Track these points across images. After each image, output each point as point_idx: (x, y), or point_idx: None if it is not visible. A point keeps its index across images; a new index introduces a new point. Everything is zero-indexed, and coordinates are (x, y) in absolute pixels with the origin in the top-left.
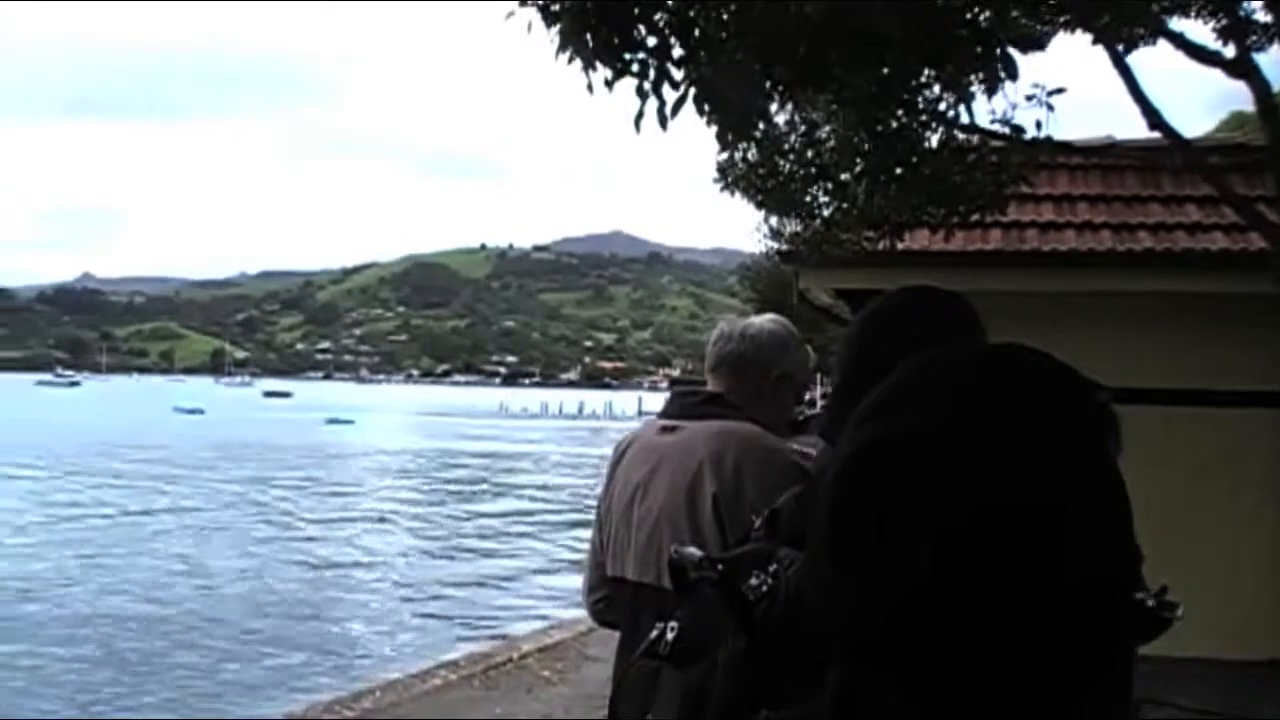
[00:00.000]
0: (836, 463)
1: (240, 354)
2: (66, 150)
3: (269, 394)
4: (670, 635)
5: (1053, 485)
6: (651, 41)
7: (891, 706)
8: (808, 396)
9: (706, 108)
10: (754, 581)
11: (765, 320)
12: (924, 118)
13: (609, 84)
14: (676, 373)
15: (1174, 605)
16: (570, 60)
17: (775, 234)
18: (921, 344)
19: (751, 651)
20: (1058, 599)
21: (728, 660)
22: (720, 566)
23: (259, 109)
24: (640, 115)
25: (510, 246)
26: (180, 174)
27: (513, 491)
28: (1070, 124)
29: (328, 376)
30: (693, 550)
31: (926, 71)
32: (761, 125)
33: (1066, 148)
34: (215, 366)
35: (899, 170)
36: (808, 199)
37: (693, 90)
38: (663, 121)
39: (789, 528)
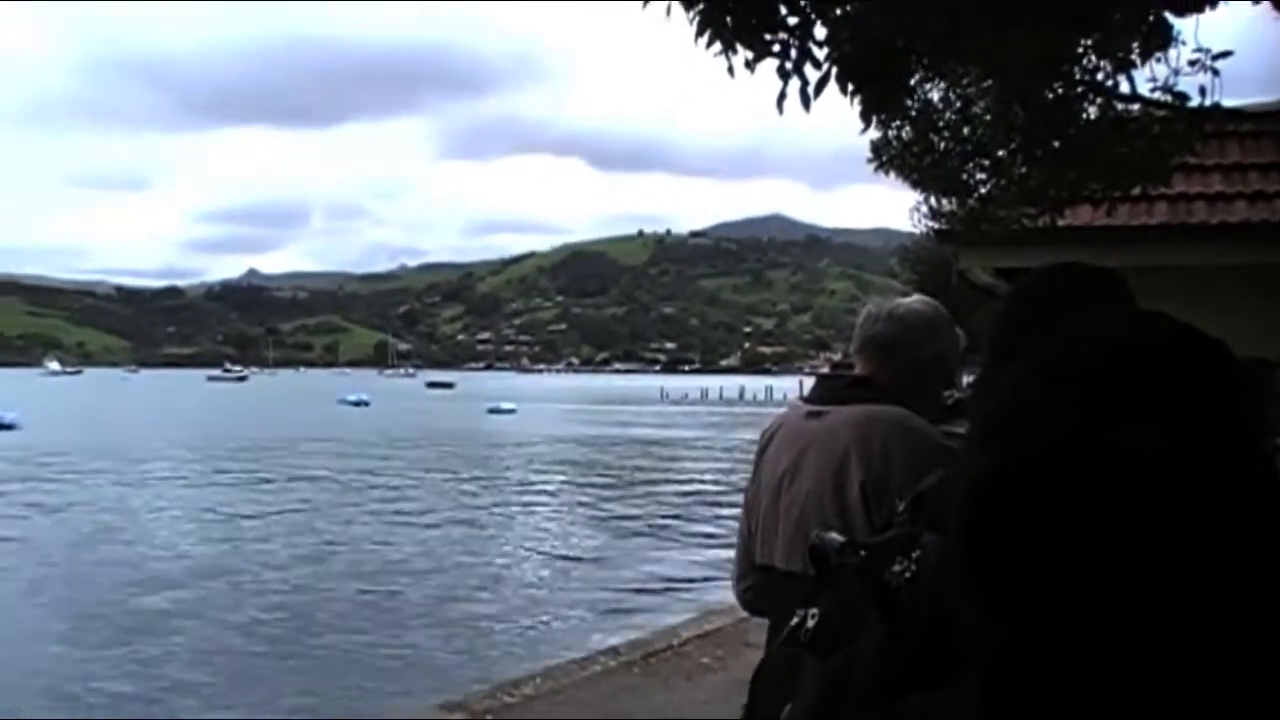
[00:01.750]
0: (965, 482)
1: (403, 346)
2: (230, 155)
3: (431, 385)
4: (811, 623)
5: (1194, 503)
6: (792, 21)
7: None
8: (965, 380)
9: (850, 86)
10: (897, 568)
11: (914, 301)
12: (1081, 89)
13: (750, 66)
14: (837, 356)
15: None
16: (710, 44)
17: (934, 213)
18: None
19: (894, 639)
20: (1205, 616)
21: (869, 648)
22: (863, 553)
23: (415, 107)
24: (783, 96)
25: (668, 233)
26: (342, 172)
27: (678, 478)
28: (1242, 89)
29: (489, 367)
30: (834, 536)
31: (1083, 40)
32: (910, 101)
33: (1236, 114)
34: (379, 359)
35: (1056, 144)
36: (964, 176)
37: (835, 69)
38: (805, 102)
39: (933, 512)
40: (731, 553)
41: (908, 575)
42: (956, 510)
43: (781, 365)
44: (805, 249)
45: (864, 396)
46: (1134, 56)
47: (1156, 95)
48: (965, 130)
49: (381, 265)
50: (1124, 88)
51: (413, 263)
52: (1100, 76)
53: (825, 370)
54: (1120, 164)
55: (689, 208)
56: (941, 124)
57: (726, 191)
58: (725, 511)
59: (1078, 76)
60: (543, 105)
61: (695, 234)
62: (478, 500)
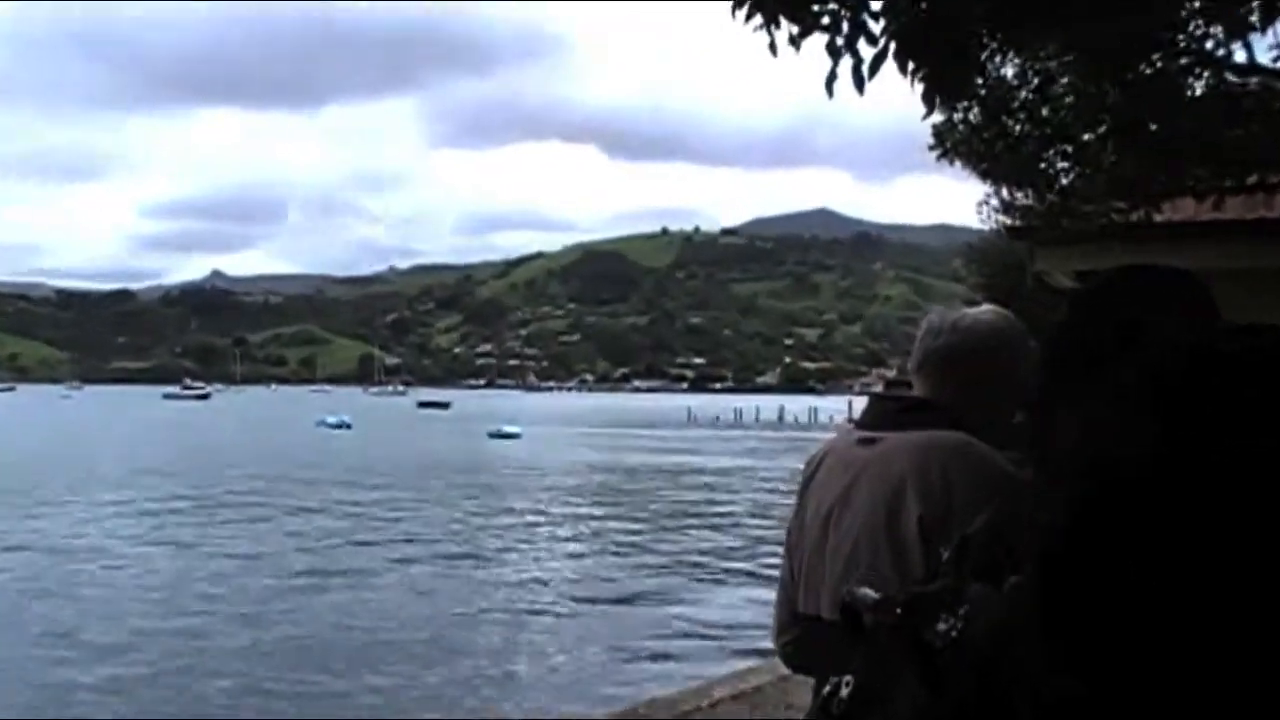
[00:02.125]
0: (1042, 520)
1: (391, 360)
2: (193, 140)
3: (424, 404)
4: (845, 691)
5: None
6: None
7: None
8: None
9: (910, 64)
10: (941, 627)
11: (981, 311)
12: (1186, 61)
13: (794, 42)
14: (893, 373)
15: None
16: (749, 17)
17: (1006, 207)
18: (1136, 334)
19: (936, 706)
20: None
21: (906, 714)
22: (899, 610)
23: (407, 86)
24: (833, 76)
25: (696, 230)
26: (322, 161)
27: (709, 511)
28: None
29: (490, 384)
30: (867, 590)
31: (1188, 3)
32: (980, 80)
33: None
34: (363, 374)
35: (1154, 127)
36: (1042, 165)
37: (893, 45)
38: (859, 83)
39: (979, 559)
40: (772, 595)
41: (953, 634)
42: (1032, 550)
43: (828, 383)
44: (854, 249)
45: (924, 421)
46: (1253, 19)
47: (1279, 66)
48: (1044, 112)
49: (367, 267)
50: (1239, 58)
51: (403, 264)
52: (1210, 45)
53: (879, 390)
54: (1232, 149)
55: (720, 201)
56: (1016, 105)
57: (763, 183)
58: (766, 549)
59: (1182, 46)
60: (552, 85)
61: (727, 231)
62: (481, 538)
